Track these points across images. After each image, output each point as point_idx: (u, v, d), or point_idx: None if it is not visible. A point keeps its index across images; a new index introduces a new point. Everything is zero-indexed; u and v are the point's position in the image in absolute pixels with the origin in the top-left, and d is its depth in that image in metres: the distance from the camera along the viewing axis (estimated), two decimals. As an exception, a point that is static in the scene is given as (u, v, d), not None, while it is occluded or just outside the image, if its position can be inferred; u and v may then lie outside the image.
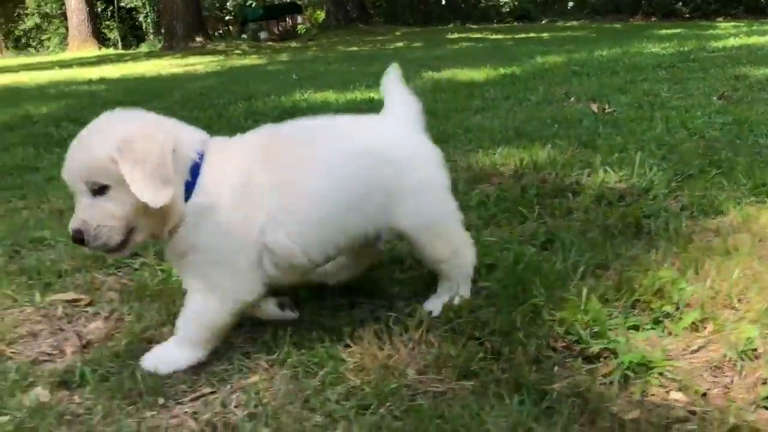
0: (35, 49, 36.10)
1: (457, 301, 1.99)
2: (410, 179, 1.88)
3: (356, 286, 2.22)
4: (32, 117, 6.72)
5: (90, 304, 2.28)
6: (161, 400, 1.68)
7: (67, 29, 33.38)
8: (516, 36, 15.85)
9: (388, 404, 1.60)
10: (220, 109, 6.38)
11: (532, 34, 16.08)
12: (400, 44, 16.19)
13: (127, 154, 1.62)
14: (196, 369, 1.82)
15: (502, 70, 7.89)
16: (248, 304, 1.82)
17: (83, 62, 17.87)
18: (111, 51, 25.24)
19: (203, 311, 1.77)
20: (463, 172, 3.51)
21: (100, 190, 1.67)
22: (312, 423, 1.56)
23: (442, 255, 1.96)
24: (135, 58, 18.38)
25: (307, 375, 1.75)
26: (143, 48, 26.71)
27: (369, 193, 1.84)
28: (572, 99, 5.65)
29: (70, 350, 1.96)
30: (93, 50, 24.93)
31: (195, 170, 1.74)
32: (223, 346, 1.91)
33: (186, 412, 1.65)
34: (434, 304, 2.00)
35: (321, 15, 26.83)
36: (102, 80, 11.49)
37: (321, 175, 1.80)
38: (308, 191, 1.79)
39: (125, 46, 29.73)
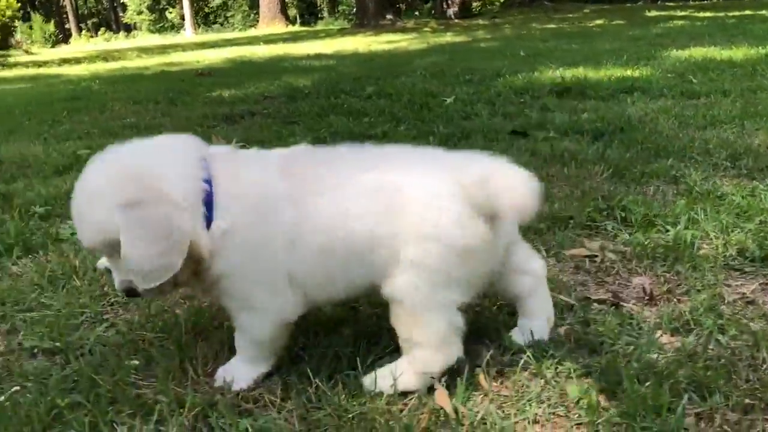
0: (221, 25, 38.72)
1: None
2: (404, 249, 1.56)
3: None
4: (301, 89, 7.32)
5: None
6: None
7: (249, 7, 35.42)
8: (730, 13, 14.86)
9: None
10: (483, 86, 6.58)
11: (747, 12, 15.00)
12: (600, 21, 15.72)
13: (128, 222, 1.45)
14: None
15: (761, 50, 7.48)
16: (291, 321, 1.68)
17: (283, 38, 19.01)
18: (299, 28, 26.57)
19: (252, 329, 1.68)
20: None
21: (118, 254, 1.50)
22: None
23: (405, 335, 1.63)
24: (330, 35, 19.27)
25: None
26: (320, 26, 27.84)
27: (370, 239, 1.57)
28: None
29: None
30: (281, 27, 26.41)
31: (207, 197, 1.56)
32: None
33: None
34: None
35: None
36: (319, 56, 12.22)
37: (330, 200, 1.59)
38: (318, 213, 1.59)
39: (302, 24, 31.15)
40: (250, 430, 1.51)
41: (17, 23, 25.18)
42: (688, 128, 4.10)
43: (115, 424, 1.55)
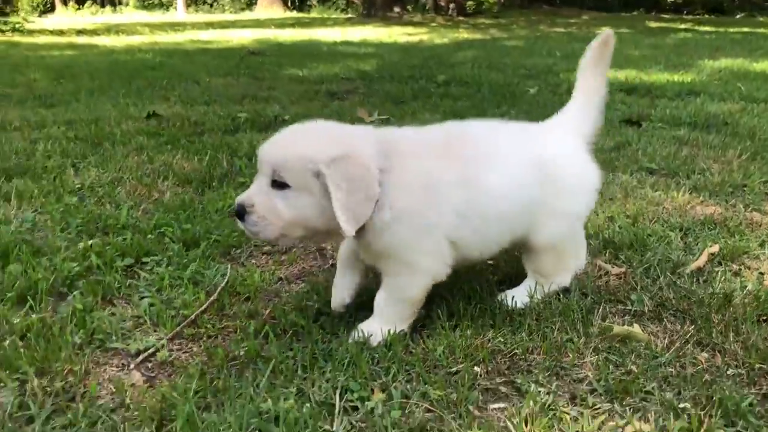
0: (210, 6, 38.38)
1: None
2: (557, 203, 1.98)
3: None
4: (369, 73, 7.80)
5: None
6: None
7: (239, -11, 35.01)
8: (730, 29, 15.83)
9: None
10: (550, 80, 7.18)
11: (745, 29, 16.00)
12: (605, 28, 16.47)
13: (336, 174, 1.67)
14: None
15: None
16: (441, 280, 1.91)
17: (289, 23, 19.31)
18: (297, 14, 26.79)
19: (407, 288, 1.86)
20: None
21: (280, 186, 1.74)
22: None
23: (549, 270, 2.08)
24: (338, 23, 19.64)
25: None
26: (315, 13, 28.01)
27: (531, 203, 1.95)
28: None
29: None
30: (279, 11, 26.58)
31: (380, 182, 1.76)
32: None
33: None
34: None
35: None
36: (347, 42, 12.65)
37: (501, 174, 1.89)
38: (491, 188, 1.87)
39: (297, 10, 31.22)
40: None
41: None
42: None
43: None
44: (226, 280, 2.20)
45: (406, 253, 1.81)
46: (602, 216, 2.79)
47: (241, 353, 1.78)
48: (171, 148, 3.94)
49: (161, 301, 2.07)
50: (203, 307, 2.02)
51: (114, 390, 1.66)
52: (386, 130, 1.92)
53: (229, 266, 2.34)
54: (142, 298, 2.10)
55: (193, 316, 1.96)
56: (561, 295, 2.08)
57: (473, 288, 2.11)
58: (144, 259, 2.37)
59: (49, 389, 1.63)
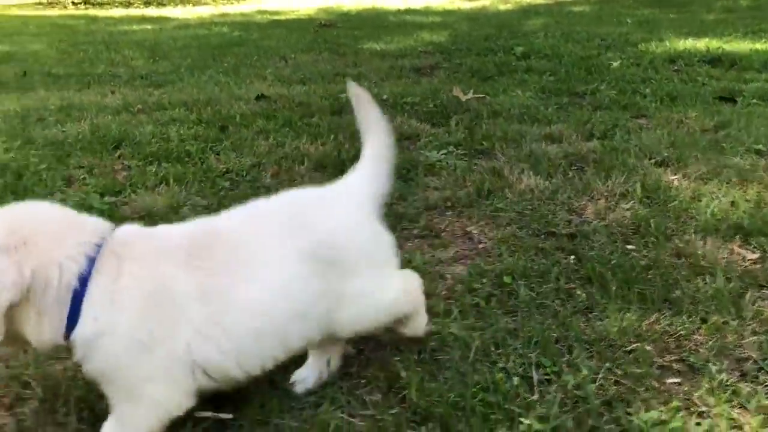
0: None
1: None
2: (353, 286, 1.70)
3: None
4: (445, 45, 7.92)
5: None
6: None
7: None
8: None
9: None
10: (629, 52, 7.18)
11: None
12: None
13: None
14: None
15: None
16: (175, 416, 1.61)
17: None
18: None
19: (131, 423, 1.58)
20: None
21: None
22: None
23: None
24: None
25: None
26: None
27: (310, 297, 1.64)
28: None
29: None
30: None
31: (79, 293, 1.50)
32: None
33: None
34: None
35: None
36: (410, 11, 12.69)
37: (258, 282, 1.60)
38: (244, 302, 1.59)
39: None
40: None
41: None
42: None
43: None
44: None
45: (123, 380, 1.54)
46: (725, 200, 2.95)
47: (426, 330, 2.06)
48: (289, 131, 4.22)
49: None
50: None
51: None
52: (128, 226, 1.67)
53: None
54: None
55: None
56: (707, 279, 2.29)
57: (621, 267, 2.33)
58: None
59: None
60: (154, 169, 3.52)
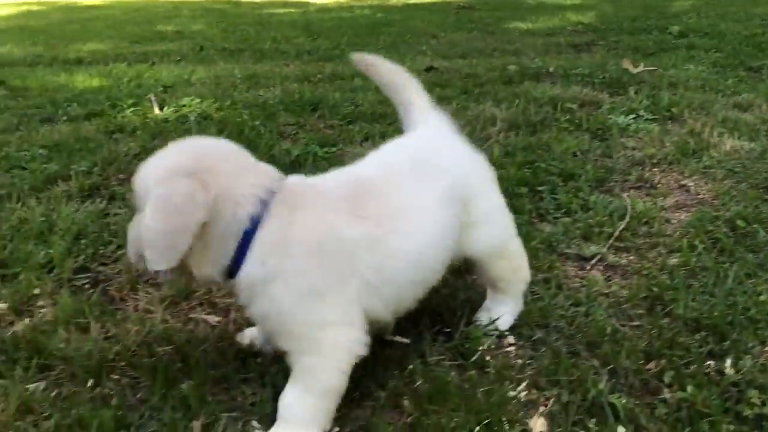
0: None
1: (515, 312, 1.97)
2: (477, 210, 1.79)
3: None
4: (594, 25, 7.85)
5: None
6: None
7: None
8: None
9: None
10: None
11: None
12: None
13: (158, 192, 1.47)
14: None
15: None
16: (359, 358, 1.58)
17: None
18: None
19: (314, 376, 1.54)
20: None
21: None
22: None
23: (505, 274, 1.93)
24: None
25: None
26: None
27: (450, 238, 1.72)
28: None
29: None
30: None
31: (249, 234, 1.51)
32: None
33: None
34: (487, 316, 1.95)
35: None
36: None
37: (413, 233, 1.64)
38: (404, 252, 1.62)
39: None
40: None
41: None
42: None
43: None
44: (628, 206, 2.61)
45: (293, 323, 1.53)
46: None
47: (674, 262, 2.19)
48: (467, 97, 4.42)
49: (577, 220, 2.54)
50: (624, 223, 2.47)
51: (587, 283, 2.13)
52: (295, 177, 1.67)
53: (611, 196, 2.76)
54: (557, 219, 2.57)
55: (617, 232, 2.41)
56: None
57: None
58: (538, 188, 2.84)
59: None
60: (357, 128, 3.80)
